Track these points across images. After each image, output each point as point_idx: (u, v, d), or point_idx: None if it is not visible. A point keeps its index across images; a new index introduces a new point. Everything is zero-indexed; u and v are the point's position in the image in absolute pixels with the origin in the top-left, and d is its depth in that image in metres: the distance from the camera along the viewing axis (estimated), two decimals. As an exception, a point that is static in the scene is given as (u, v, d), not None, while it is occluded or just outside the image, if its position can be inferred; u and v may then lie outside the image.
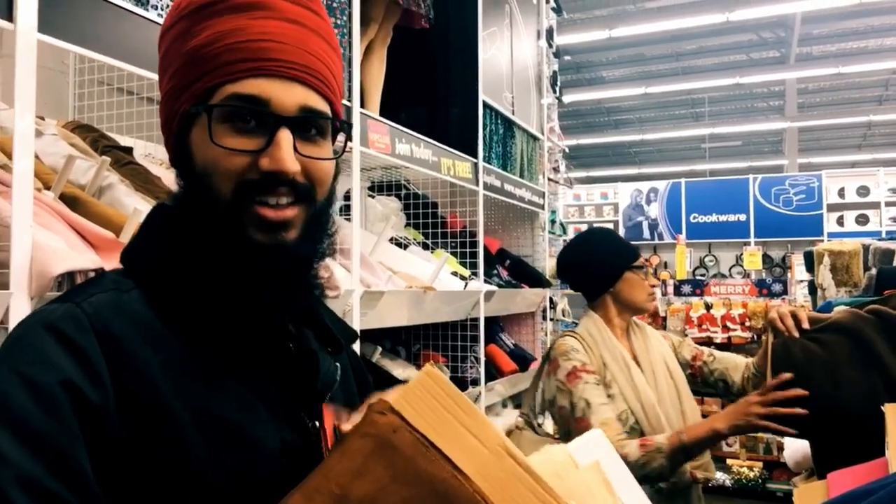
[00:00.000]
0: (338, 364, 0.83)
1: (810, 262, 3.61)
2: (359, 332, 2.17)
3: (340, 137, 0.82)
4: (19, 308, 1.12)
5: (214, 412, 0.69)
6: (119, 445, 0.63)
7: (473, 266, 3.25)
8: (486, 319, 3.20)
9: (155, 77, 1.49)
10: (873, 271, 2.94)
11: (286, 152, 0.71)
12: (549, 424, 2.10)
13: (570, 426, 1.90)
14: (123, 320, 0.68)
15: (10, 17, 1.15)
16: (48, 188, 1.52)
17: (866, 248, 3.29)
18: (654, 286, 2.17)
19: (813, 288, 3.69)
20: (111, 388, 0.63)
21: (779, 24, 12.67)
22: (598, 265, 2.17)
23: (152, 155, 2.33)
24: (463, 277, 3.06)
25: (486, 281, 3.30)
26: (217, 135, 0.71)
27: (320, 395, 0.78)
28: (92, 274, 1.23)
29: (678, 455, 1.75)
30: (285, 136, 0.72)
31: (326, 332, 0.86)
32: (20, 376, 0.60)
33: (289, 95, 0.72)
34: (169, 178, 2.05)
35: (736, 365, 2.10)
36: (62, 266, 1.14)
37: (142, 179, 1.89)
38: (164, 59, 0.77)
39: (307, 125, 0.74)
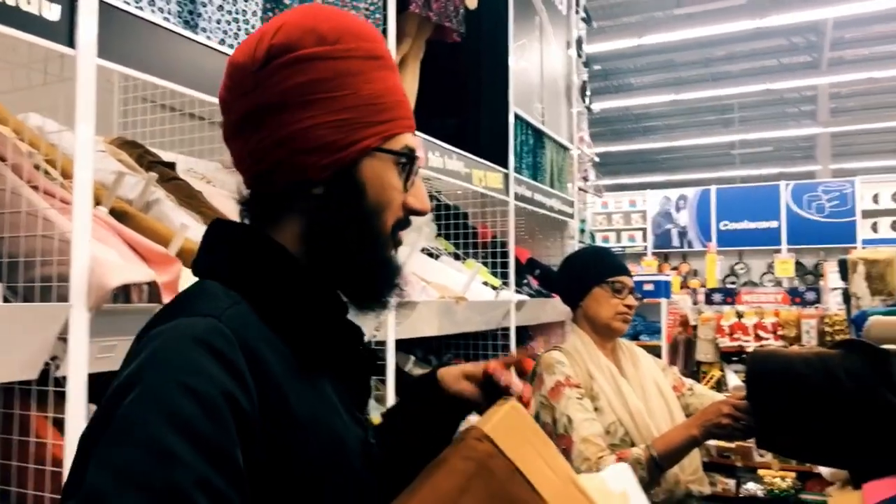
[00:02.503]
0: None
1: (844, 271, 3.57)
2: (393, 341, 2.21)
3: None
4: (79, 320, 1.18)
5: (320, 417, 0.77)
6: (259, 449, 0.69)
7: (504, 276, 3.28)
8: (517, 329, 3.22)
9: (198, 95, 1.56)
10: (910, 280, 2.89)
11: (426, 196, 0.88)
12: None
13: (553, 442, 1.87)
14: (254, 333, 0.74)
15: (71, 43, 1.21)
16: (99, 203, 1.58)
17: (902, 256, 3.23)
18: (629, 307, 2.08)
19: (847, 296, 3.65)
20: (256, 398, 0.69)
21: (810, 28, 12.52)
22: (570, 279, 2.17)
23: (193, 170, 2.40)
24: (494, 287, 3.09)
25: (516, 290, 3.33)
26: (398, 178, 0.85)
27: (368, 397, 0.91)
28: (146, 287, 1.29)
29: (656, 464, 1.75)
30: (421, 182, 0.88)
31: (368, 346, 0.95)
32: (184, 387, 0.64)
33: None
34: (210, 192, 2.11)
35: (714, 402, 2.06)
36: (119, 279, 1.20)
37: (185, 194, 1.96)
38: (318, 84, 0.80)
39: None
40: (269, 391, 0.71)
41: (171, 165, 2.10)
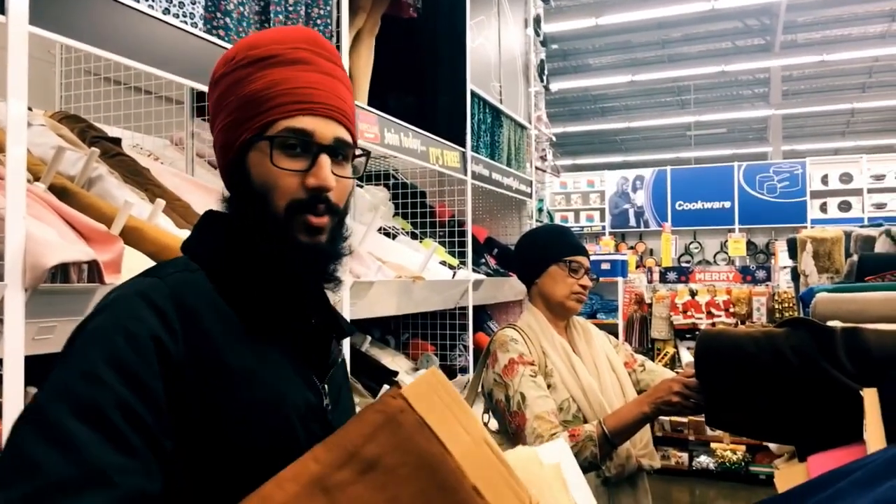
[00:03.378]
0: (340, 346, 1.05)
1: (793, 249, 3.65)
2: (349, 321, 2.19)
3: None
4: (13, 301, 1.13)
5: (258, 373, 0.87)
6: (187, 391, 0.80)
7: (462, 255, 3.27)
8: (475, 308, 3.22)
9: (142, 67, 1.50)
10: (854, 258, 2.97)
11: (327, 171, 0.92)
12: (494, 424, 2.05)
13: (507, 420, 1.88)
14: (194, 293, 0.86)
15: (1, 9, 1.15)
16: (38, 179, 1.52)
17: (848, 234, 3.31)
18: (584, 287, 2.08)
19: (796, 275, 3.73)
20: (183, 344, 0.81)
21: (764, 11, 12.71)
22: (527, 256, 2.15)
23: (140, 146, 2.33)
24: (451, 266, 3.08)
25: (474, 270, 3.33)
26: (275, 158, 0.91)
27: (330, 367, 0.99)
28: (85, 266, 1.24)
29: (608, 440, 1.77)
30: (326, 160, 0.92)
31: (334, 320, 1.03)
32: (121, 327, 0.77)
33: (327, 129, 0.93)
34: (158, 169, 2.05)
35: (664, 380, 2.08)
36: (56, 257, 1.15)
37: (130, 171, 1.89)
38: (220, 98, 0.95)
39: (338, 152, 0.95)
40: (201, 343, 0.83)
41: (117, 141, 2.03)
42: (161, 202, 1.65)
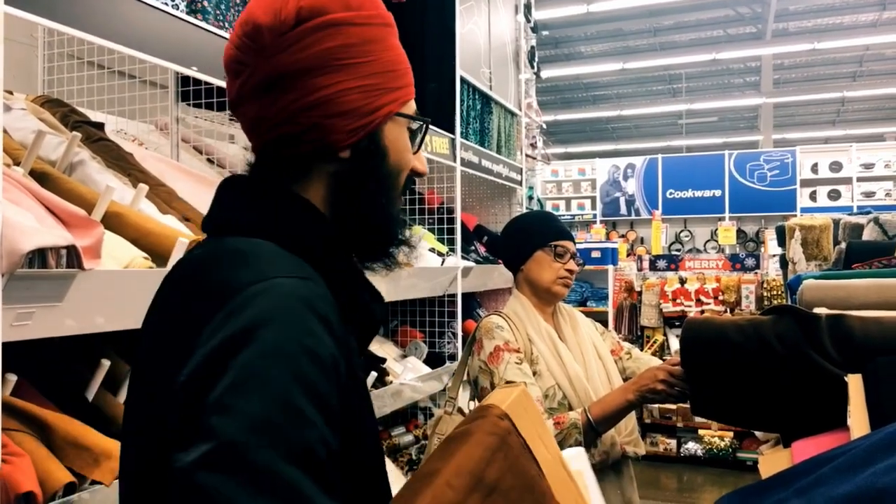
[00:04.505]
0: None
1: (782, 237, 3.66)
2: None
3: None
4: (-10, 286, 1.11)
5: (359, 378, 0.84)
6: (345, 410, 0.72)
7: (451, 242, 3.26)
8: (463, 295, 3.22)
9: (125, 50, 1.47)
10: (842, 245, 2.98)
11: (425, 159, 0.96)
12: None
13: None
14: (328, 303, 0.75)
15: (-27, -12, 1.12)
16: (17, 164, 1.49)
17: (836, 222, 3.32)
18: (570, 271, 2.07)
19: (784, 262, 3.75)
20: (343, 361, 0.73)
21: (755, -1, 12.70)
22: (513, 241, 2.15)
23: (124, 131, 2.30)
24: (440, 253, 3.07)
25: (463, 257, 3.31)
26: (409, 141, 0.91)
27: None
28: (63, 251, 1.22)
29: (593, 428, 1.77)
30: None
31: None
32: (304, 347, 0.66)
33: None
34: (142, 154, 2.02)
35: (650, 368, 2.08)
36: (32, 242, 1.13)
37: (113, 156, 1.87)
38: (344, 49, 0.82)
39: None
40: (348, 359, 0.75)
41: (99, 126, 2.00)
42: (144, 187, 1.63)
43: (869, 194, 10.76)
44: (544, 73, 5.14)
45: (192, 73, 1.67)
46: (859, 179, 10.87)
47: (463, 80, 3.27)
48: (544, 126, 4.80)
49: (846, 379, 1.15)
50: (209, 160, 2.42)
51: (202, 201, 1.88)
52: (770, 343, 1.30)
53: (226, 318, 0.67)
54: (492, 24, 3.74)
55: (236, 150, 2.54)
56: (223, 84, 0.93)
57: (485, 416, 0.84)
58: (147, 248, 1.47)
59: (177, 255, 1.44)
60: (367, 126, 0.84)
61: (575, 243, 2.15)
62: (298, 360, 0.65)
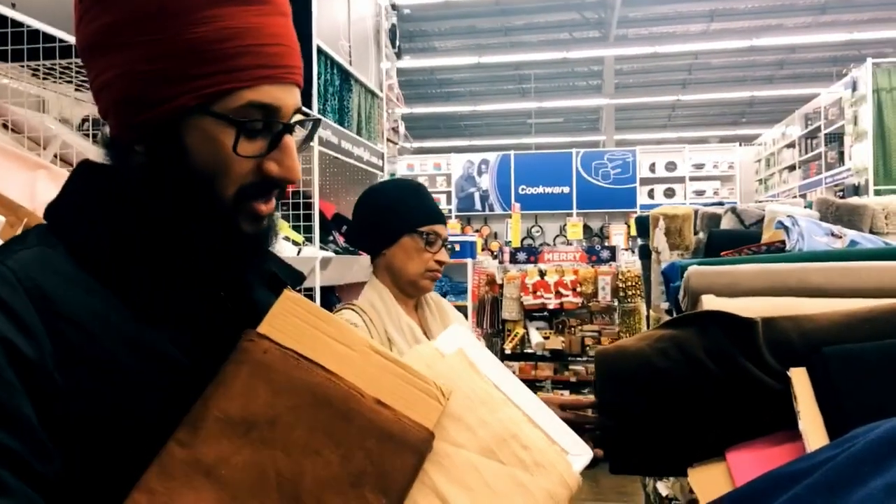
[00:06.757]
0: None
1: (645, 227, 3.71)
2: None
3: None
4: None
5: (145, 338, 0.71)
6: (65, 395, 0.64)
7: (308, 231, 2.96)
8: (322, 289, 2.94)
9: None
10: (702, 235, 3.00)
11: (295, 159, 0.76)
12: None
13: None
14: (50, 273, 0.68)
15: None
16: None
17: (695, 212, 3.40)
18: (441, 262, 1.80)
19: (645, 252, 3.80)
20: (47, 342, 0.64)
21: (600, 4, 13.26)
22: (373, 220, 1.82)
23: None
24: (296, 243, 2.78)
25: (321, 247, 3.04)
26: (240, 146, 0.72)
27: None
28: None
29: None
30: (291, 143, 0.76)
31: (275, 279, 0.89)
32: None
33: (290, 100, 0.76)
34: None
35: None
36: None
37: None
38: (127, 26, 0.69)
39: (294, 127, 0.77)
40: (67, 331, 0.66)
41: None
42: None
43: (700, 192, 11.59)
44: (400, 64, 4.92)
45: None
46: (691, 179, 11.69)
47: (320, 51, 2.96)
48: (407, 110, 4.58)
49: (789, 373, 0.99)
50: (3, 125, 1.95)
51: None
52: (701, 362, 1.07)
53: None
54: (351, -4, 3.44)
55: (40, 116, 2.07)
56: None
57: (233, 352, 0.72)
58: None
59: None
60: (152, 120, 0.72)
61: (446, 226, 1.87)
62: None
